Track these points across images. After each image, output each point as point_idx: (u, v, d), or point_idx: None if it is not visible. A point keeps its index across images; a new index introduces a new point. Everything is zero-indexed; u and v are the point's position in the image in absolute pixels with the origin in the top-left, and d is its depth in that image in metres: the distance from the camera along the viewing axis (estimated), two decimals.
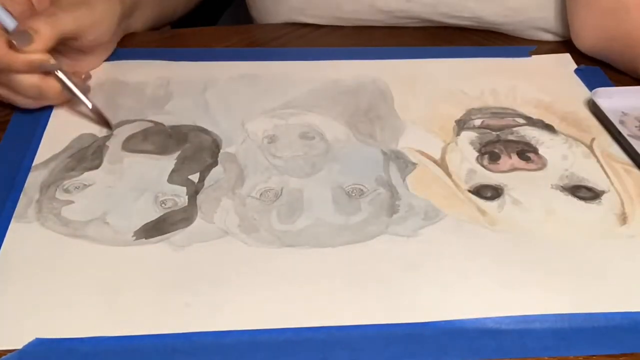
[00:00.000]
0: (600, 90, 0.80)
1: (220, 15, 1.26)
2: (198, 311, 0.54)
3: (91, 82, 0.81)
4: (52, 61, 0.72)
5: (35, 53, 0.70)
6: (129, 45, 0.90)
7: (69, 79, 0.73)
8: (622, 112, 0.78)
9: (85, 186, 0.66)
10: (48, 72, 0.72)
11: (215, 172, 0.68)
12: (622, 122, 0.77)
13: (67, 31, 0.73)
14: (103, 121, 0.74)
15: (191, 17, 1.20)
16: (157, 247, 0.60)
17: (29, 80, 0.71)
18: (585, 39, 0.90)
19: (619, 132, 0.75)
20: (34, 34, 0.69)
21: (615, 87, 0.83)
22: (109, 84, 0.82)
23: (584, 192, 0.67)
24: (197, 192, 0.66)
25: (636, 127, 0.76)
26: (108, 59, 0.85)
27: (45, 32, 0.70)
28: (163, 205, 0.64)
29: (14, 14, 0.72)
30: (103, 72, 0.84)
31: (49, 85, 0.72)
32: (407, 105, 0.80)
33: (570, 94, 0.83)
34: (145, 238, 0.61)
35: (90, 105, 0.74)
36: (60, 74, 0.73)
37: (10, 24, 0.71)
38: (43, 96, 0.73)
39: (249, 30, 0.99)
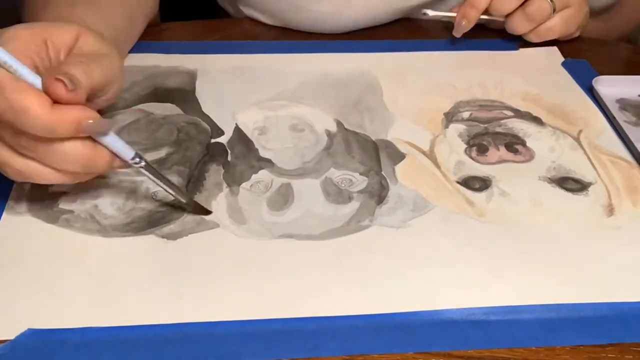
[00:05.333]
0: (602, 78, 0.82)
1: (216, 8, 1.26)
2: (189, 302, 0.55)
3: None
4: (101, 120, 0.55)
5: (76, 109, 0.54)
6: None
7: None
8: (623, 99, 0.80)
9: None
10: (96, 140, 0.56)
11: (206, 164, 0.69)
12: (622, 109, 0.78)
13: (98, 83, 0.57)
14: (202, 211, 0.63)
15: (186, 10, 1.21)
16: (148, 238, 0.60)
17: (77, 149, 0.55)
18: None
19: (614, 117, 0.76)
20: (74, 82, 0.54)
21: (618, 76, 0.84)
22: None
23: (571, 184, 0.68)
24: (187, 184, 0.66)
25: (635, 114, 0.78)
26: None
27: (83, 80, 0.54)
28: (154, 196, 0.64)
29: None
30: None
31: (100, 153, 0.56)
32: (396, 98, 0.80)
33: (558, 86, 0.84)
34: (137, 229, 0.61)
35: (184, 201, 0.62)
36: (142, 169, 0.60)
37: (35, 79, 0.54)
38: (91, 168, 0.57)
39: (239, 24, 0.99)
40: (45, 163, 0.55)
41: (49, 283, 0.56)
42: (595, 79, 0.82)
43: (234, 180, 0.67)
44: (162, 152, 0.70)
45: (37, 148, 0.54)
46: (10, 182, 0.65)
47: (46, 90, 0.53)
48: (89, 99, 0.57)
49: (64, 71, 0.54)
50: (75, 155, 0.55)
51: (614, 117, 0.76)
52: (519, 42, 0.93)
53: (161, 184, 0.60)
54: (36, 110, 0.52)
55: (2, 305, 0.54)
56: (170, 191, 0.61)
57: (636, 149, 0.72)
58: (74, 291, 0.55)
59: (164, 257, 0.59)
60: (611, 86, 0.81)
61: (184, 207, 0.63)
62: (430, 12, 0.90)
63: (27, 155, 0.55)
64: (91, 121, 0.54)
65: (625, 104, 0.80)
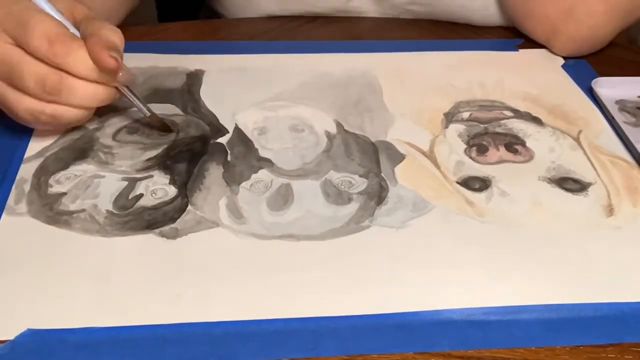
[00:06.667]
0: (602, 79, 0.82)
1: (198, 10, 1.26)
2: (189, 302, 0.55)
3: None
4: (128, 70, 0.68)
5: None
6: None
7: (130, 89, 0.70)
8: (622, 100, 0.80)
9: (77, 177, 0.66)
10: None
11: (206, 163, 0.69)
12: (621, 111, 0.78)
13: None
14: (163, 127, 0.73)
15: (173, 12, 1.21)
16: (147, 238, 0.60)
17: (90, 87, 0.66)
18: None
19: (613, 118, 0.76)
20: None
21: (618, 77, 0.84)
22: None
23: (570, 184, 0.68)
24: (187, 183, 0.66)
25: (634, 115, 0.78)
26: None
27: (121, 46, 0.66)
28: (153, 195, 0.64)
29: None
30: None
31: (109, 92, 0.68)
32: (396, 98, 0.80)
33: (558, 86, 0.84)
34: (136, 228, 0.61)
35: (148, 114, 0.72)
36: (124, 88, 0.69)
37: (76, 32, 0.66)
38: (100, 103, 0.68)
39: (238, 24, 0.99)
40: (69, 103, 0.66)
41: (49, 283, 0.56)
42: (595, 80, 0.82)
43: (233, 179, 0.67)
44: (162, 152, 0.70)
45: (66, 89, 0.64)
46: (10, 183, 0.65)
47: (96, 59, 0.63)
48: None
49: (107, 40, 0.64)
50: (94, 92, 0.66)
51: (614, 118, 0.77)
52: (519, 42, 0.94)
53: (135, 102, 0.71)
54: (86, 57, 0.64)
55: (2, 305, 0.54)
56: (140, 106, 0.71)
57: (636, 149, 0.72)
58: (74, 291, 0.55)
59: (164, 257, 0.59)
60: (610, 87, 0.82)
61: (148, 120, 0.73)
62: None
63: (50, 100, 0.65)
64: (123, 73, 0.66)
65: (624, 105, 0.80)
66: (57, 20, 0.64)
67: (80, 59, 0.63)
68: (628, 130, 0.75)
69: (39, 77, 0.63)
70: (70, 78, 0.64)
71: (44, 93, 0.64)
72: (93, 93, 0.66)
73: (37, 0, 0.65)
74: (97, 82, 0.66)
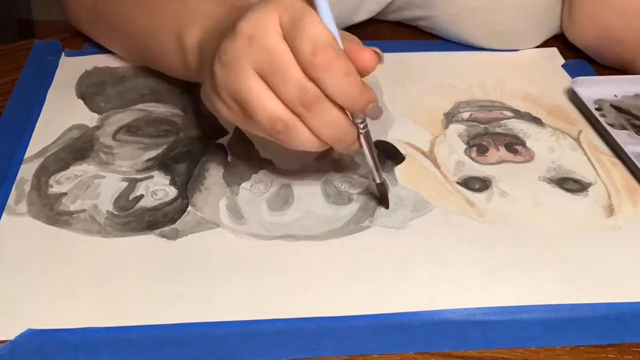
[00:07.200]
0: (580, 79, 0.81)
1: None
2: (189, 302, 0.55)
3: (82, 72, 0.83)
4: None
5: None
6: None
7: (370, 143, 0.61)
8: (600, 99, 0.80)
9: (77, 177, 0.66)
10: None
11: (206, 163, 0.69)
12: (598, 110, 0.78)
13: None
14: (384, 199, 0.65)
15: None
16: (147, 238, 0.60)
17: (340, 118, 0.57)
18: (579, 30, 0.90)
19: (597, 120, 0.76)
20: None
21: (595, 77, 0.84)
22: (99, 73, 0.82)
23: (571, 184, 0.68)
24: (187, 183, 0.66)
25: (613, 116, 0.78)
26: (100, 52, 0.86)
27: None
28: (154, 195, 0.64)
29: None
30: (95, 61, 0.84)
31: (352, 130, 0.58)
32: (396, 98, 0.80)
33: (558, 87, 0.84)
34: (136, 229, 0.61)
35: (378, 181, 0.63)
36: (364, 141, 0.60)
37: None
38: (340, 142, 0.58)
39: None
40: (311, 125, 0.56)
41: (49, 283, 0.56)
42: (574, 79, 0.81)
43: (233, 180, 0.67)
44: (162, 152, 0.70)
45: (319, 109, 0.56)
46: (10, 183, 0.65)
47: (359, 57, 0.56)
48: None
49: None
50: (340, 125, 0.57)
51: (598, 121, 0.76)
52: None
53: (369, 157, 0.61)
54: (354, 76, 0.56)
55: (2, 305, 0.54)
56: (372, 166, 0.61)
57: (625, 153, 0.71)
58: (73, 291, 0.55)
59: (164, 257, 0.59)
60: (587, 87, 0.81)
61: (376, 186, 0.64)
62: None
63: (296, 112, 0.56)
64: (377, 104, 0.58)
65: (602, 104, 0.79)
66: (327, 28, 0.55)
67: (336, 75, 0.55)
68: (614, 133, 0.74)
69: (301, 86, 0.55)
70: (327, 100, 0.56)
71: (299, 104, 0.56)
72: (338, 124, 0.57)
73: (322, 4, 0.56)
74: (344, 113, 0.57)
